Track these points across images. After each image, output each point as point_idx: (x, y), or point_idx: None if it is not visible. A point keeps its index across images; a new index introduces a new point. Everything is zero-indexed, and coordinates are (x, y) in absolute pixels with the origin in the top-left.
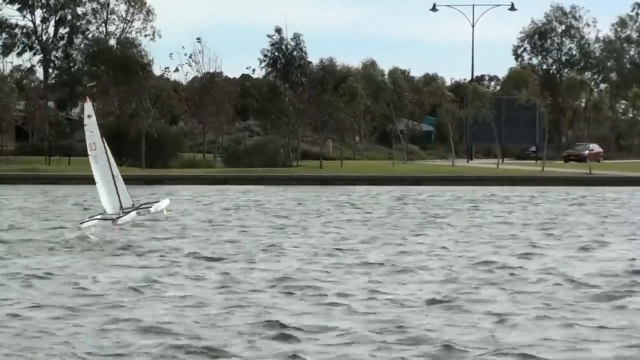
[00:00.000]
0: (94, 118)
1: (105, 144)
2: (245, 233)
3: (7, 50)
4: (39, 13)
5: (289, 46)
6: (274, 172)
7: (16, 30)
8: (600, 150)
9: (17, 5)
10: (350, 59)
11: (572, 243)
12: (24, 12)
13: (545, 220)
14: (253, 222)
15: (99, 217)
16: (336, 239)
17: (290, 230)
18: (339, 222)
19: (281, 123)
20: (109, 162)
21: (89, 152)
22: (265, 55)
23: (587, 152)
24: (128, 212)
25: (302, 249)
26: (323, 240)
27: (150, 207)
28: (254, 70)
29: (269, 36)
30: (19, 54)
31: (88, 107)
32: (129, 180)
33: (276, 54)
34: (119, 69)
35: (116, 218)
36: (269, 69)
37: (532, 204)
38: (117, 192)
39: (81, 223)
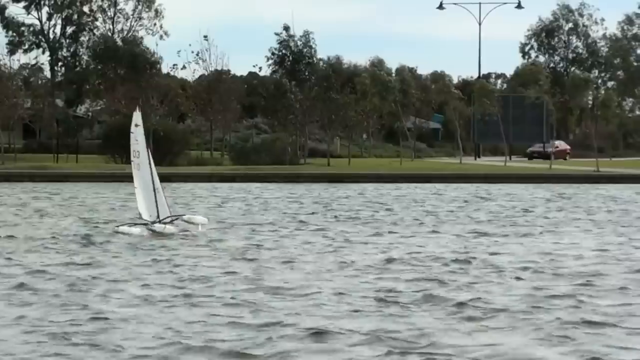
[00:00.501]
0: (141, 128)
1: (150, 155)
2: None
3: (14, 48)
4: (45, 11)
5: (298, 44)
6: (281, 170)
7: (23, 29)
8: (567, 147)
9: (23, 3)
10: (357, 57)
11: None
12: (30, 10)
13: None
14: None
15: (140, 222)
16: None
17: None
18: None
19: (288, 121)
20: (152, 173)
21: (132, 159)
22: (273, 54)
23: (551, 149)
24: (164, 222)
25: None
26: None
27: (184, 215)
28: (260, 68)
29: (276, 34)
30: (26, 52)
31: (137, 116)
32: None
33: (283, 51)
34: (126, 66)
35: (152, 223)
36: (276, 67)
37: None
38: (157, 203)
39: (118, 226)
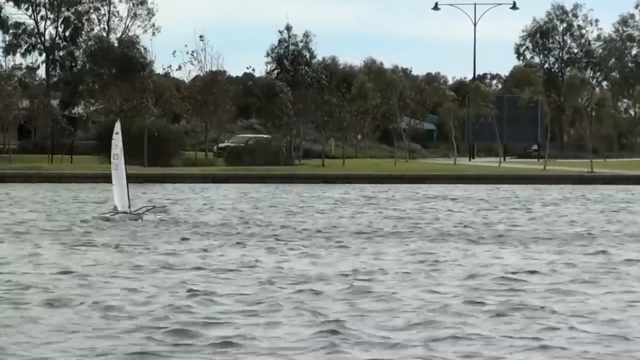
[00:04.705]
0: (120, 135)
1: (123, 156)
2: None
3: (11, 49)
4: (41, 12)
5: (298, 45)
6: (275, 171)
7: (19, 30)
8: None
9: (23, 5)
10: (351, 57)
11: None
12: (24, 10)
13: None
14: None
15: (118, 211)
16: None
17: None
18: None
19: (282, 122)
20: (125, 171)
21: (112, 160)
22: (272, 50)
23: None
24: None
25: None
26: None
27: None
28: (253, 69)
29: (280, 32)
30: (24, 54)
31: (117, 125)
32: (130, 179)
33: (282, 51)
34: (120, 67)
35: (135, 212)
36: (274, 67)
37: None
38: (128, 195)
39: (104, 215)
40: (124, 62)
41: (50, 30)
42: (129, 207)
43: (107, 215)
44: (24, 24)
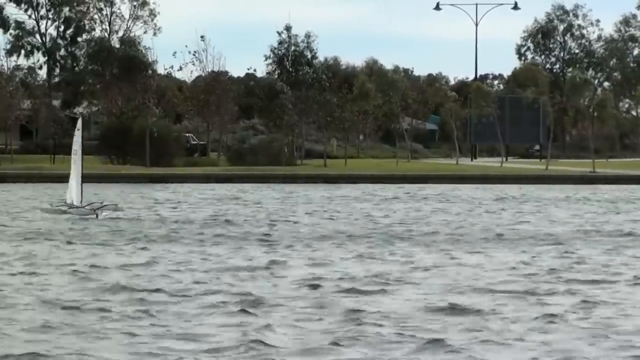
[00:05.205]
0: (80, 132)
1: (81, 152)
2: None
3: (14, 50)
4: (41, 11)
5: (299, 45)
6: (278, 171)
7: (20, 31)
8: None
9: (23, 6)
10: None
11: None
12: (24, 9)
13: None
14: None
15: (72, 205)
16: None
17: None
18: None
19: (283, 122)
20: (82, 166)
21: (72, 156)
22: (272, 52)
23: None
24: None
25: None
26: None
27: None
28: (255, 70)
29: (278, 33)
30: (27, 55)
31: (79, 122)
32: (133, 179)
33: (282, 52)
34: (122, 67)
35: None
36: (275, 67)
37: None
38: (81, 190)
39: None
40: (127, 61)
41: (51, 30)
42: (81, 202)
43: (61, 208)
44: (24, 23)
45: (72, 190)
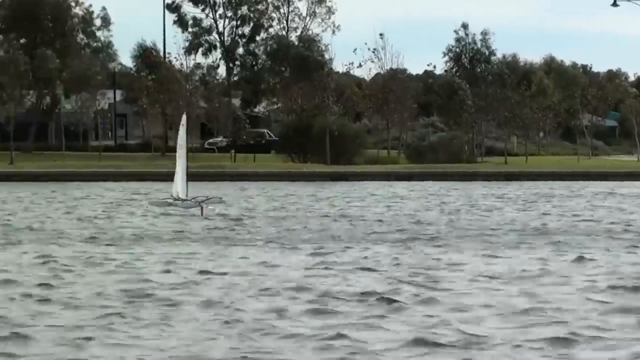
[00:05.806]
0: (184, 127)
1: (186, 147)
2: None
3: (192, 48)
4: (219, 10)
5: (477, 42)
6: (457, 168)
7: (199, 29)
8: None
9: (200, 6)
10: (530, 54)
11: None
12: (202, 9)
13: None
14: None
15: (178, 197)
16: None
17: None
18: None
19: (462, 119)
20: (187, 161)
21: (178, 151)
22: (449, 50)
23: None
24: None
25: None
26: None
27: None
28: (434, 66)
29: (455, 32)
30: (205, 53)
31: (184, 118)
32: (314, 177)
33: (459, 49)
34: (297, 66)
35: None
36: (452, 64)
37: None
38: (187, 185)
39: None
40: (301, 60)
41: (228, 29)
42: (187, 195)
43: (167, 200)
44: (201, 20)
45: (177, 184)
